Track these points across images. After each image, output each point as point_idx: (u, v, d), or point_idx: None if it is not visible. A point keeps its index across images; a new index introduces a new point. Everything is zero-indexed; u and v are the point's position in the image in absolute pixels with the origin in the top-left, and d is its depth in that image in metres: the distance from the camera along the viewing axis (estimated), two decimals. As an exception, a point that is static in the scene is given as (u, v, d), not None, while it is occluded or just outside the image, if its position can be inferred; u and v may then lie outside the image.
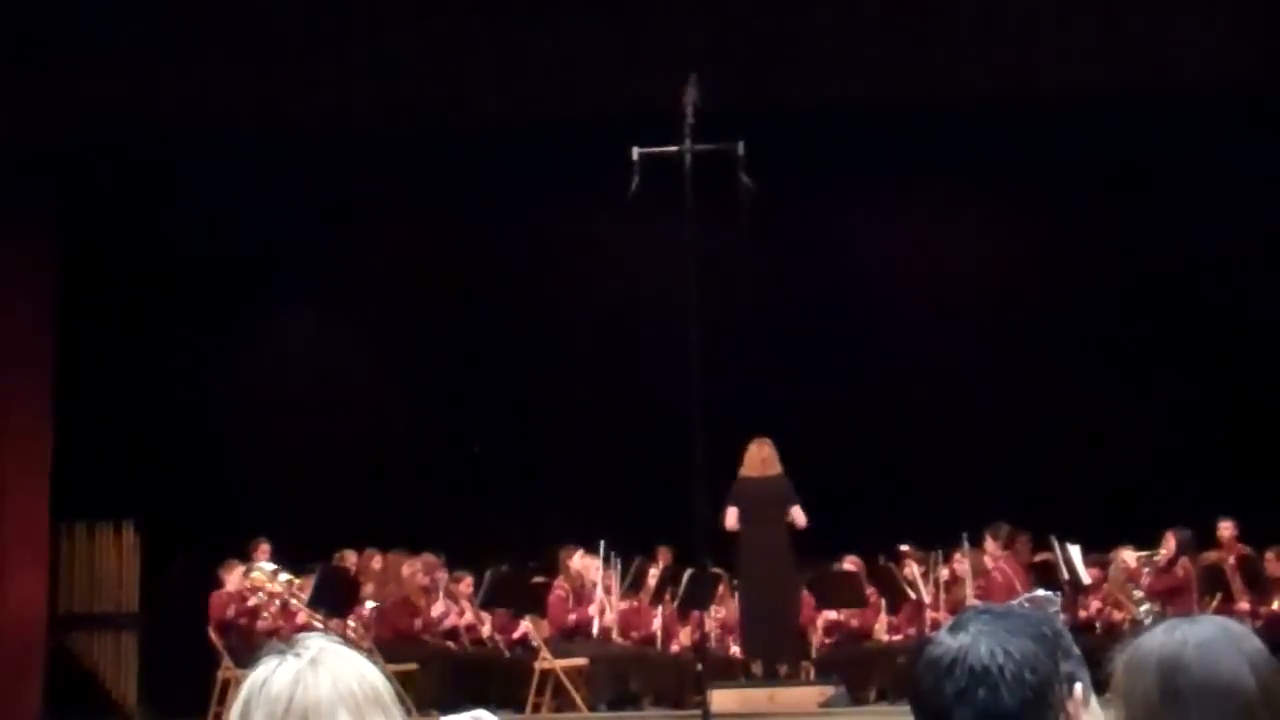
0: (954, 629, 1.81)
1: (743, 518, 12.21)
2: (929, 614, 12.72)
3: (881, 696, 12.34)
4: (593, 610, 12.87)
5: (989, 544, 12.87)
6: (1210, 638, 2.09)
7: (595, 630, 12.80)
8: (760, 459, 12.36)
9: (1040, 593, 1.92)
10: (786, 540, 12.25)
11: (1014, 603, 1.89)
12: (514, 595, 13.03)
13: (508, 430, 15.04)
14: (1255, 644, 2.10)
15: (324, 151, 13.00)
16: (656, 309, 11.46)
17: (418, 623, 12.75)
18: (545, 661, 12.17)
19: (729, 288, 12.59)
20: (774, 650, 12.41)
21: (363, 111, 12.44)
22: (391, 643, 12.21)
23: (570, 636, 12.77)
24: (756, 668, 12.44)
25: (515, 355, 14.98)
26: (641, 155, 9.11)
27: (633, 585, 13.28)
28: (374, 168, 13.45)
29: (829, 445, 13.86)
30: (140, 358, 13.62)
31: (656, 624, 13.13)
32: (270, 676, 2.01)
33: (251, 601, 12.35)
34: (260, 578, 12.39)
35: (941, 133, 13.15)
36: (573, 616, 12.87)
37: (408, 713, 2.09)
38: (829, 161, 13.39)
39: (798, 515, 12.14)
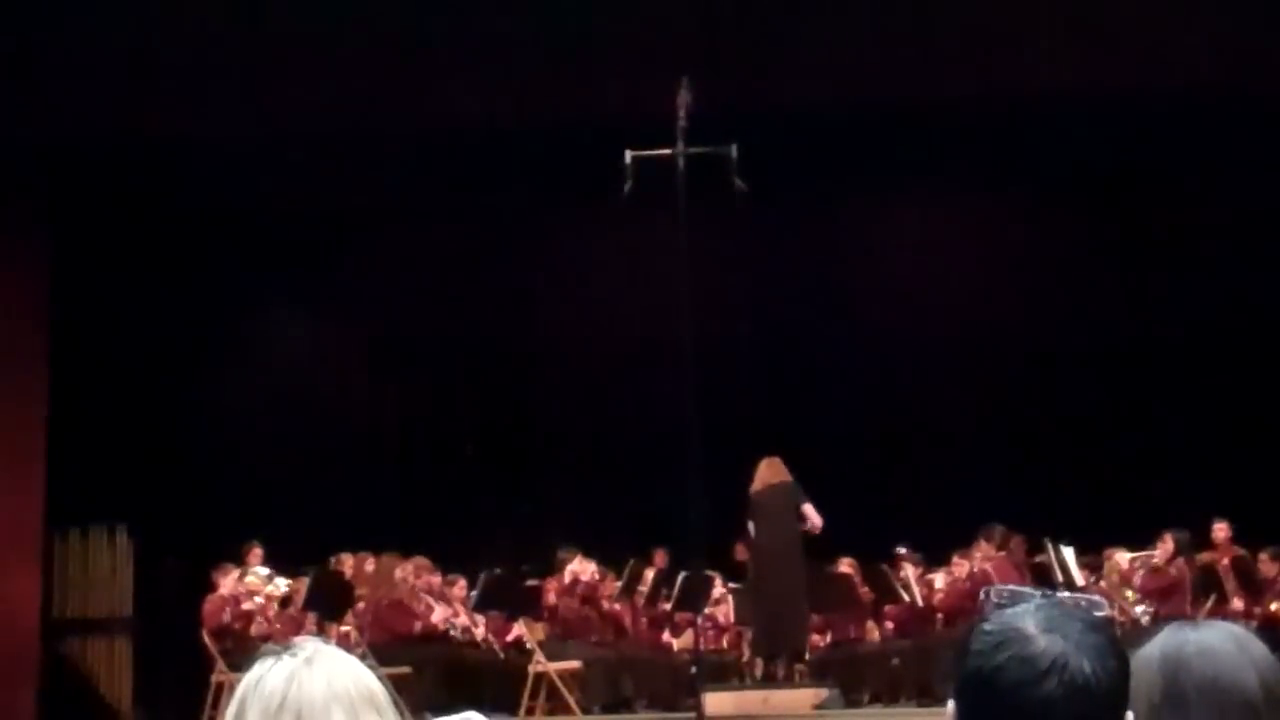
0: (1046, 627, 1.78)
1: (755, 522, 12.25)
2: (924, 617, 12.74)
3: (875, 699, 12.33)
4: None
5: (983, 546, 12.86)
6: (1214, 641, 2.08)
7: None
8: (771, 473, 12.36)
9: (1096, 598, 1.88)
10: (798, 540, 12.25)
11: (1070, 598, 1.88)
12: (508, 598, 13.01)
13: (502, 432, 15.02)
14: (1260, 648, 2.10)
15: (317, 153, 12.97)
16: (650, 310, 11.45)
17: (412, 625, 12.72)
18: (539, 664, 12.16)
19: (722, 289, 12.58)
20: (781, 645, 12.38)
21: (355, 114, 12.41)
22: (385, 646, 12.18)
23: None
24: (754, 669, 12.43)
25: (508, 357, 14.97)
26: (634, 158, 9.10)
27: (628, 588, 13.27)
28: (367, 170, 13.42)
29: (825, 447, 13.83)
30: (134, 362, 13.60)
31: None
32: (265, 675, 2.01)
33: (245, 605, 12.32)
34: (254, 581, 12.37)
35: (935, 135, 13.13)
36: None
37: (401, 716, 2.08)
38: (822, 164, 13.38)
39: (811, 514, 12.13)
